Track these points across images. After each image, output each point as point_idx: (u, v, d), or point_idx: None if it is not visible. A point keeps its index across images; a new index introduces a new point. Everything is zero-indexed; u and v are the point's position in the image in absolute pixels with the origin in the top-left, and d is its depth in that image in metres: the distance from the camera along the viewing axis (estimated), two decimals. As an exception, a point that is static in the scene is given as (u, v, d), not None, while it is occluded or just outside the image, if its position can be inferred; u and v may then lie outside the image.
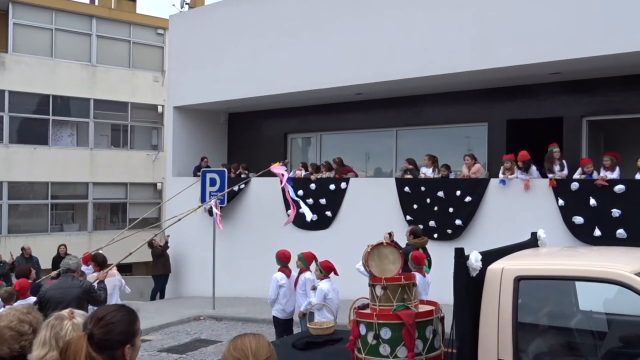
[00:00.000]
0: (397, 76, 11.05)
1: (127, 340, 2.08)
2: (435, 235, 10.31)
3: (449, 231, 10.43)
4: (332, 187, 12.10)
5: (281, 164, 11.08)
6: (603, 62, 9.29)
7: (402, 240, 8.59)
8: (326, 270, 7.28)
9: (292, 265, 7.88)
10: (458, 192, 10.41)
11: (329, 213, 12.09)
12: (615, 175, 9.15)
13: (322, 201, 12.14)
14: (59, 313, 2.32)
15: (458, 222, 10.32)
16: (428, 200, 10.73)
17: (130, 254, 8.81)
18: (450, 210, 10.44)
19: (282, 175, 10.41)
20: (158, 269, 14.14)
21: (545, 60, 9.45)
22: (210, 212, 12.51)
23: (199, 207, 11.54)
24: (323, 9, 12.19)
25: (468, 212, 10.32)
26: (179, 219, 10.64)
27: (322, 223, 12.17)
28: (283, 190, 11.03)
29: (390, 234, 8.55)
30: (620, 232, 8.79)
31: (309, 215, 10.87)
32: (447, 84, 11.38)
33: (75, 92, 19.03)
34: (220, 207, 12.10)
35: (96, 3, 20.48)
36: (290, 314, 7.73)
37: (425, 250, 8.18)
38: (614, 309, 3.66)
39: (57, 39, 18.90)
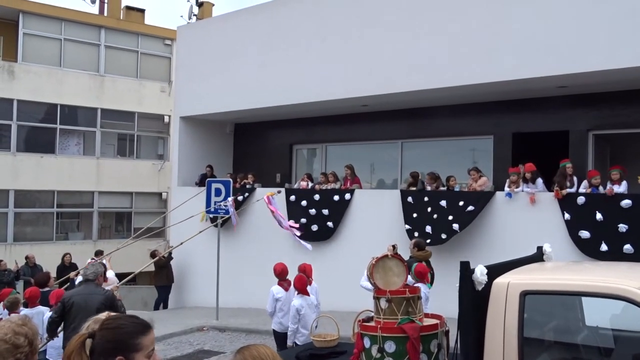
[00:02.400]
0: (402, 88, 11.08)
1: (120, 350, 1.98)
2: (429, 241, 10.12)
3: (444, 236, 10.34)
4: (336, 198, 12.09)
5: (275, 194, 10.95)
6: (609, 76, 9.28)
7: (405, 253, 8.55)
8: (295, 286, 7.31)
9: (291, 277, 7.88)
10: (461, 203, 10.37)
11: (330, 224, 12.07)
12: (622, 189, 9.10)
13: (325, 212, 12.12)
14: (96, 317, 2.32)
15: (455, 226, 10.24)
16: (429, 209, 10.69)
17: (139, 271, 8.86)
18: (450, 217, 10.38)
19: (273, 211, 10.27)
20: (161, 280, 14.13)
21: (551, 74, 9.46)
22: (213, 220, 12.51)
23: (203, 230, 11.47)
24: (329, 20, 12.27)
25: (466, 219, 10.24)
26: (182, 243, 10.69)
27: (324, 234, 12.15)
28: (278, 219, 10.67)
29: (394, 247, 8.52)
30: (627, 248, 8.71)
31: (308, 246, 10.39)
32: (452, 97, 11.40)
33: (82, 102, 19.17)
34: (223, 218, 12.14)
35: (105, 14, 20.69)
36: (288, 327, 7.70)
37: (428, 263, 8.14)
38: (621, 325, 3.62)
39: (66, 49, 19.08)
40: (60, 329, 6.16)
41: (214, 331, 10.88)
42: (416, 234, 10.24)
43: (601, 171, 9.97)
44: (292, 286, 7.75)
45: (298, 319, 7.11)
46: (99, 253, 13.61)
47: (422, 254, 8.21)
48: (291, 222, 10.40)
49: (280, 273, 7.78)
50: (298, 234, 9.96)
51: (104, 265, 8.26)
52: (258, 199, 12.32)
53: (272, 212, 10.23)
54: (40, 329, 5.86)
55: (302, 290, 7.23)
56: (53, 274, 13.96)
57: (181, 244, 10.63)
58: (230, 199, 11.77)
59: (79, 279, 8.38)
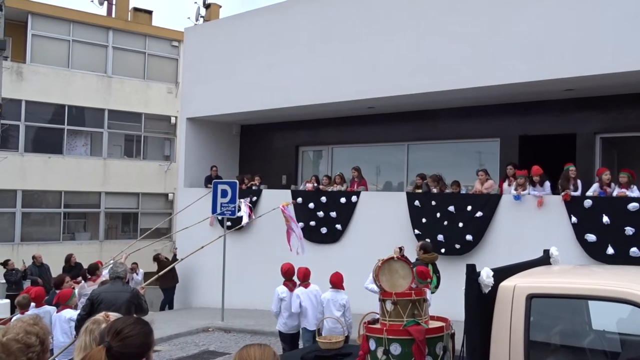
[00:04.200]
0: (408, 90, 11.07)
1: (143, 354, 2.06)
2: (443, 250, 10.19)
3: (457, 246, 10.35)
4: (342, 200, 12.09)
5: (288, 204, 11.00)
6: (616, 79, 9.25)
7: (413, 256, 8.54)
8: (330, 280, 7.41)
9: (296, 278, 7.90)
10: (469, 208, 10.35)
11: (339, 226, 12.08)
12: (635, 194, 9.04)
13: (333, 214, 12.13)
14: (95, 317, 2.36)
15: (468, 237, 10.26)
16: (438, 215, 10.68)
17: (162, 273, 9.00)
18: (460, 225, 10.38)
19: (289, 219, 10.32)
20: (167, 282, 14.14)
21: (558, 77, 9.43)
22: (221, 223, 12.55)
23: (215, 240, 11.53)
24: (336, 23, 12.28)
25: (478, 228, 10.25)
26: (199, 249, 10.75)
27: (332, 236, 12.15)
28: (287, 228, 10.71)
29: (400, 249, 8.49)
30: (634, 251, 8.67)
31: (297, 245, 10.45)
32: (459, 99, 11.38)
33: (90, 103, 19.28)
34: (230, 218, 12.16)
35: (113, 15, 20.80)
36: (293, 328, 7.71)
37: (434, 266, 8.12)
38: (627, 329, 3.61)
39: (74, 50, 19.20)
40: None
41: (219, 332, 10.90)
42: (427, 241, 10.22)
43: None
44: (296, 286, 7.77)
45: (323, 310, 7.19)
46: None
47: (428, 257, 8.19)
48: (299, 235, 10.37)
49: (286, 272, 7.81)
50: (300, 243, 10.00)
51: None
52: (266, 201, 12.33)
53: (287, 221, 10.20)
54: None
55: (337, 284, 7.29)
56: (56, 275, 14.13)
57: (197, 250, 10.67)
58: (245, 199, 11.80)
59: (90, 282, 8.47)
